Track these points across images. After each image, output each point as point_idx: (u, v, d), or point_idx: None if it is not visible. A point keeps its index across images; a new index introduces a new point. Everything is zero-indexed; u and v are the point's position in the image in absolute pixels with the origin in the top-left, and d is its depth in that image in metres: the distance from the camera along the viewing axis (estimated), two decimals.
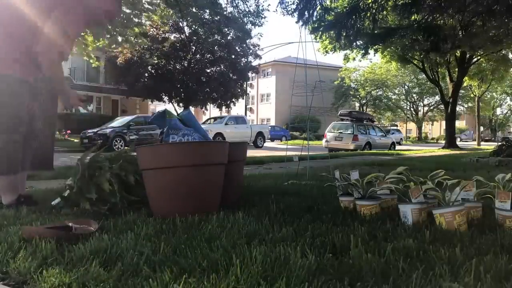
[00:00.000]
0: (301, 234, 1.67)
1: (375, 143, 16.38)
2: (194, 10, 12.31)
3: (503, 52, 19.52)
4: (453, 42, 14.58)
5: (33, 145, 2.56)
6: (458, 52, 17.26)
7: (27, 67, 2.31)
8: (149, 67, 22.63)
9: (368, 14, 10.29)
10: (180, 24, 21.59)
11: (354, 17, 9.93)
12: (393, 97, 42.65)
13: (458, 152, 15.22)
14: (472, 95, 33.56)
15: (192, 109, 25.81)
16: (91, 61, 12.09)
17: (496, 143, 15.06)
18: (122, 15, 9.91)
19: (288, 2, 10.34)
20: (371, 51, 16.68)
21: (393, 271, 1.24)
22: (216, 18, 20.34)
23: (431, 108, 42.97)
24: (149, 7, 10.36)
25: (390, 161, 8.03)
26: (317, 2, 9.22)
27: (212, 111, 32.07)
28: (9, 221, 1.97)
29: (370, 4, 10.24)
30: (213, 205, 2.19)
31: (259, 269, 1.23)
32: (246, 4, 18.51)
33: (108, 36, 11.12)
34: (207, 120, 20.69)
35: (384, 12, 11.63)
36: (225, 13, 20.11)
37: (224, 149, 2.29)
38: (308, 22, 9.16)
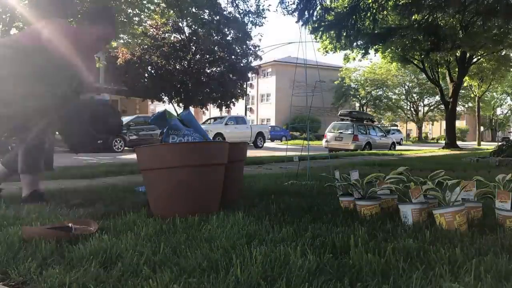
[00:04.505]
0: (301, 234, 1.67)
1: (375, 143, 16.37)
2: (194, 10, 12.31)
3: (503, 52, 19.53)
4: (453, 42, 14.58)
5: (45, 148, 2.82)
6: (458, 52, 17.25)
7: None
8: (149, 67, 22.60)
9: (368, 14, 10.30)
10: (180, 24, 21.57)
11: (354, 17, 9.94)
12: (393, 97, 42.63)
13: (458, 152, 15.22)
14: (472, 95, 33.57)
15: (192, 109, 25.80)
16: None
17: (496, 143, 15.07)
18: (122, 13, 9.94)
19: (288, 2, 10.35)
20: (371, 51, 16.68)
21: (393, 271, 1.24)
22: (216, 18, 20.33)
23: (431, 108, 42.97)
24: (150, 6, 10.38)
25: (390, 161, 8.02)
26: (317, 2, 9.23)
27: (212, 111, 32.06)
28: (9, 221, 1.97)
29: (370, 4, 10.24)
30: (213, 205, 2.18)
31: (259, 269, 1.23)
32: (247, 4, 18.53)
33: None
34: (207, 120, 20.67)
35: (385, 12, 11.63)
36: (225, 13, 20.12)
37: (224, 149, 2.29)
38: (308, 22, 9.16)
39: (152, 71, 22.88)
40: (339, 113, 18.08)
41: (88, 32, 2.69)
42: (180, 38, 22.78)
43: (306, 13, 8.88)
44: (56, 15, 5.09)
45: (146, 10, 10.45)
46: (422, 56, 17.78)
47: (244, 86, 25.83)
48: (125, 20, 10.03)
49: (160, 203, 2.16)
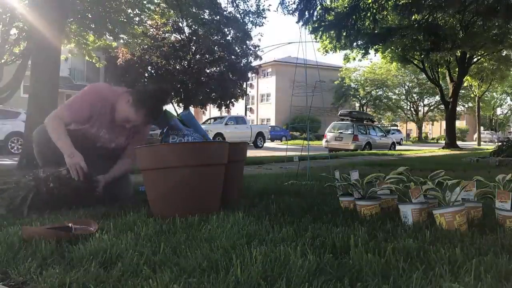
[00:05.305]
0: (301, 234, 1.67)
1: (375, 143, 16.37)
2: (194, 10, 12.31)
3: (503, 52, 19.54)
4: (453, 42, 14.59)
5: None
6: (458, 52, 17.25)
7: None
8: (149, 67, 22.61)
9: (368, 14, 10.31)
10: (180, 24, 21.58)
11: (354, 17, 9.95)
12: (393, 97, 42.64)
13: (458, 152, 15.22)
14: (472, 95, 33.58)
15: (192, 109, 25.79)
16: (93, 61, 12.11)
17: (496, 143, 15.07)
18: (122, 13, 9.94)
19: (288, 2, 10.35)
20: (371, 51, 16.68)
21: (393, 271, 1.24)
22: (216, 18, 20.32)
23: (431, 108, 42.97)
24: (150, 6, 10.38)
25: (390, 161, 8.02)
26: (317, 2, 9.24)
27: (212, 111, 32.08)
28: (9, 221, 1.97)
29: (370, 4, 10.25)
30: (213, 205, 2.18)
31: (259, 269, 1.23)
32: (247, 4, 18.51)
33: (111, 37, 11.14)
34: (207, 120, 20.67)
35: (385, 12, 11.64)
36: (225, 13, 20.11)
37: (224, 149, 2.29)
38: (308, 22, 9.17)
39: (152, 71, 22.88)
40: (339, 113, 18.07)
41: (123, 102, 2.51)
42: (180, 38, 22.78)
43: (306, 13, 8.89)
44: (56, 15, 5.10)
45: (146, 10, 10.45)
46: (422, 56, 17.79)
47: (244, 86, 25.83)
48: (125, 20, 10.03)
49: (160, 203, 2.16)
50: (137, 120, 2.51)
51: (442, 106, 27.00)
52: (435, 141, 42.35)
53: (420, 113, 43.35)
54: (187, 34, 22.59)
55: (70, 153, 2.40)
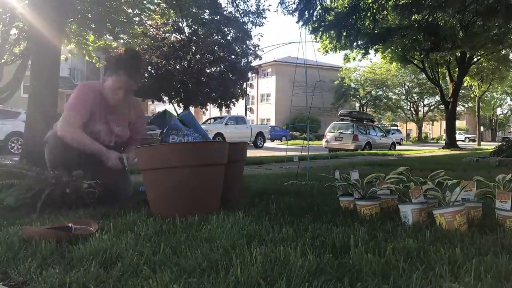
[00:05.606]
0: (301, 234, 1.67)
1: (375, 143, 16.37)
2: (194, 10, 12.33)
3: (503, 52, 19.54)
4: (453, 42, 14.59)
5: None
6: (458, 52, 17.25)
7: None
8: (149, 67, 22.60)
9: (368, 14, 10.31)
10: (180, 24, 21.58)
11: (354, 17, 9.95)
12: (393, 97, 42.65)
13: (458, 152, 15.22)
14: (472, 95, 33.59)
15: (192, 109, 25.80)
16: (93, 61, 12.11)
17: (496, 143, 15.07)
18: (122, 13, 9.94)
19: (288, 2, 10.35)
20: (371, 51, 16.67)
21: (393, 271, 1.24)
22: (216, 18, 20.31)
23: (431, 108, 42.97)
24: (150, 6, 10.39)
25: (390, 161, 8.02)
26: (317, 2, 9.24)
27: (212, 111, 32.07)
28: (9, 221, 1.97)
29: (370, 4, 10.25)
30: (213, 205, 2.18)
31: (259, 269, 1.23)
32: (247, 4, 18.51)
33: (111, 37, 11.14)
34: (207, 120, 20.67)
35: (385, 12, 11.64)
36: (225, 13, 20.12)
37: (224, 149, 2.29)
38: (308, 22, 9.18)
39: (152, 71, 22.86)
40: (339, 113, 18.07)
41: (104, 81, 2.61)
42: (180, 38, 22.77)
43: (306, 13, 8.90)
44: (55, 15, 5.09)
45: (146, 10, 10.45)
46: (422, 56, 17.79)
47: (244, 86, 25.82)
48: (125, 20, 10.04)
49: (160, 203, 2.16)
50: (121, 84, 2.58)
51: (442, 106, 27.00)
52: (435, 141, 42.35)
53: (420, 113, 43.35)
54: (187, 34, 22.58)
55: (108, 155, 2.54)
